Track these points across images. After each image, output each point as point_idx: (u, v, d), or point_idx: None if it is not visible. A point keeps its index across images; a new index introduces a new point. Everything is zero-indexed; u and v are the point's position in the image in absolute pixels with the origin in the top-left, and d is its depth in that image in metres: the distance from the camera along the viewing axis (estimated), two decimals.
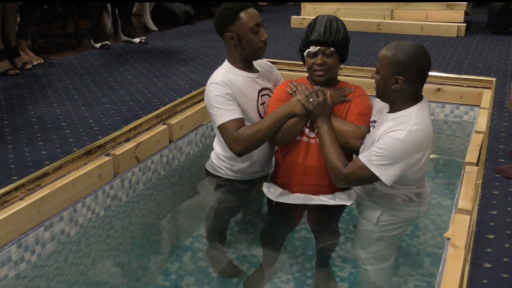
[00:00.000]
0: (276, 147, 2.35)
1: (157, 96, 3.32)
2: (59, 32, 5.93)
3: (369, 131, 2.11)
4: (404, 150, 1.86)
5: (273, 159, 2.40)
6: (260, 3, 8.13)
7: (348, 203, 2.12)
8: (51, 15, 6.61)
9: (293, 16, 6.18)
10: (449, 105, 3.38)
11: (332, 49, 2.13)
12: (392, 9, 5.82)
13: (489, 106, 2.96)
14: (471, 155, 2.32)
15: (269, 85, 2.40)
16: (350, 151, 2.12)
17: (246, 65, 2.31)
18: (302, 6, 6.28)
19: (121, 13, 5.32)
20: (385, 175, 1.89)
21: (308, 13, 6.19)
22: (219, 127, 2.19)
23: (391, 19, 5.79)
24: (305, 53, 2.19)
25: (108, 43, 4.90)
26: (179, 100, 3.08)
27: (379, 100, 2.07)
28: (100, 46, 4.82)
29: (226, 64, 2.35)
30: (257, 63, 2.41)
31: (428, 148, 1.94)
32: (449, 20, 5.60)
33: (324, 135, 2.08)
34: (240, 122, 2.18)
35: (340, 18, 2.23)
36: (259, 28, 2.24)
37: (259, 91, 2.35)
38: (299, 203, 2.15)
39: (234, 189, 2.38)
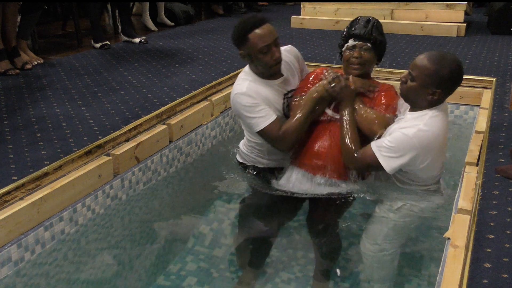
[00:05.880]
0: None
1: (157, 96, 3.32)
2: (59, 32, 5.93)
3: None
4: (411, 146, 2.01)
5: None
6: (260, 3, 8.13)
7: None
8: (51, 15, 6.61)
9: (293, 16, 6.18)
10: (449, 105, 3.36)
11: (369, 44, 2.26)
12: (392, 9, 5.82)
13: (489, 106, 2.96)
14: (471, 155, 2.31)
15: (294, 85, 2.48)
16: (372, 136, 2.20)
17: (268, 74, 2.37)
18: (302, 6, 6.27)
19: (121, 13, 5.32)
20: (389, 166, 2.05)
21: (308, 13, 6.18)
22: (259, 133, 2.32)
23: (391, 19, 5.80)
24: (344, 47, 2.33)
25: (108, 43, 4.90)
26: (179, 100, 3.08)
27: None
28: (100, 46, 4.82)
29: (249, 72, 2.40)
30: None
31: (438, 149, 2.06)
32: (449, 20, 5.60)
33: (345, 118, 2.22)
34: (277, 123, 2.30)
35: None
36: (269, 48, 2.26)
37: (285, 95, 2.42)
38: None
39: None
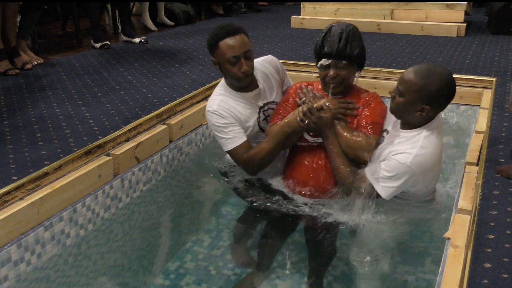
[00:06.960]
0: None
1: (157, 96, 3.32)
2: (59, 32, 5.93)
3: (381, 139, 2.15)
4: (410, 174, 1.94)
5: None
6: (260, 3, 8.13)
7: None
8: (51, 15, 6.61)
9: (293, 16, 6.18)
10: (449, 105, 3.36)
11: (344, 62, 2.09)
12: (392, 9, 5.82)
13: (489, 106, 2.96)
14: (471, 155, 2.31)
15: (272, 98, 2.41)
16: (358, 162, 2.12)
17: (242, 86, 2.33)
18: (302, 6, 6.28)
19: (121, 13, 5.32)
20: (387, 194, 2.01)
21: (308, 13, 6.18)
22: (227, 153, 2.32)
23: (391, 19, 5.79)
24: (318, 65, 2.17)
25: (108, 43, 4.90)
26: (179, 100, 3.08)
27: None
28: (100, 46, 4.82)
29: (224, 84, 2.37)
30: (259, 68, 2.38)
31: (434, 167, 2.01)
32: (449, 20, 5.61)
33: (330, 148, 2.13)
34: (243, 147, 2.27)
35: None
36: (237, 59, 2.20)
37: (261, 108, 2.37)
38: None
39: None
